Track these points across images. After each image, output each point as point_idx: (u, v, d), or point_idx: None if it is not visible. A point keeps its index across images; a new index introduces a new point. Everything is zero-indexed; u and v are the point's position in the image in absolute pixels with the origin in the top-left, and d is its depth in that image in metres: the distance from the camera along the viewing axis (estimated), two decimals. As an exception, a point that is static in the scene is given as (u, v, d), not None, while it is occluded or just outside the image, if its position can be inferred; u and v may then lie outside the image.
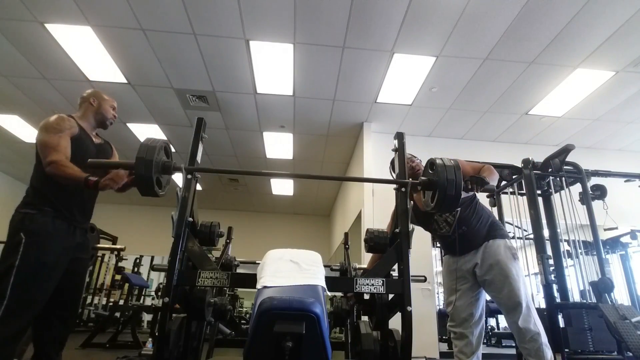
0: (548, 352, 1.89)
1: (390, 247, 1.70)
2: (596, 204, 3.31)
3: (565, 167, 3.31)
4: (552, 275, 2.86)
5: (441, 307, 5.69)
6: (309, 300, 1.17)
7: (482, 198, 3.18)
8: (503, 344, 5.80)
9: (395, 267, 1.59)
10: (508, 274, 1.98)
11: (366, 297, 1.94)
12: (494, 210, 3.52)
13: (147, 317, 7.00)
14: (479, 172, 2.06)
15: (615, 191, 3.70)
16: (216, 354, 2.73)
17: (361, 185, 5.05)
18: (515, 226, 3.90)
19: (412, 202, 1.73)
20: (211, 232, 1.79)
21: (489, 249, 2.06)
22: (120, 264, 6.37)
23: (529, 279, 3.72)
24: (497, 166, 3.74)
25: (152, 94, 4.58)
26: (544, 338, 1.91)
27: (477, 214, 2.14)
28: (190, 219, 1.56)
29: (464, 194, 2.07)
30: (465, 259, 2.15)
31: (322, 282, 1.46)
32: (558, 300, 2.90)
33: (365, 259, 4.24)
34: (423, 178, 1.61)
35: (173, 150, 1.61)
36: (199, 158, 1.68)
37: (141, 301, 7.30)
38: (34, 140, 1.81)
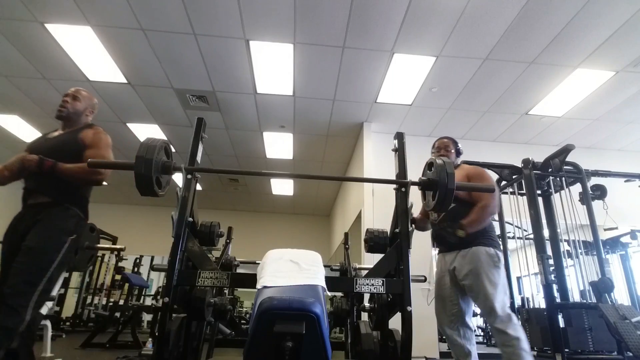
0: (526, 357, 1.85)
1: (390, 247, 1.70)
2: (596, 204, 3.31)
3: (565, 167, 3.31)
4: (552, 275, 2.87)
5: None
6: (309, 300, 1.17)
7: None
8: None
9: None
10: (484, 280, 1.97)
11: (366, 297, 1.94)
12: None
13: (147, 317, 7.00)
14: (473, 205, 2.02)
15: (615, 191, 3.71)
16: (216, 354, 2.73)
17: (361, 185, 5.04)
18: (515, 226, 3.90)
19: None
20: (211, 232, 1.80)
21: (469, 254, 2.04)
22: (120, 264, 6.38)
23: (529, 279, 3.72)
24: (497, 166, 3.74)
25: (152, 94, 4.58)
26: (523, 343, 1.87)
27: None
28: (190, 219, 1.56)
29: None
30: (450, 257, 2.16)
31: (322, 282, 1.46)
32: (558, 300, 2.90)
33: (366, 259, 4.24)
34: (423, 178, 1.61)
35: (173, 150, 1.60)
36: (199, 158, 1.68)
37: (141, 301, 7.30)
38: (33, 140, 1.80)
